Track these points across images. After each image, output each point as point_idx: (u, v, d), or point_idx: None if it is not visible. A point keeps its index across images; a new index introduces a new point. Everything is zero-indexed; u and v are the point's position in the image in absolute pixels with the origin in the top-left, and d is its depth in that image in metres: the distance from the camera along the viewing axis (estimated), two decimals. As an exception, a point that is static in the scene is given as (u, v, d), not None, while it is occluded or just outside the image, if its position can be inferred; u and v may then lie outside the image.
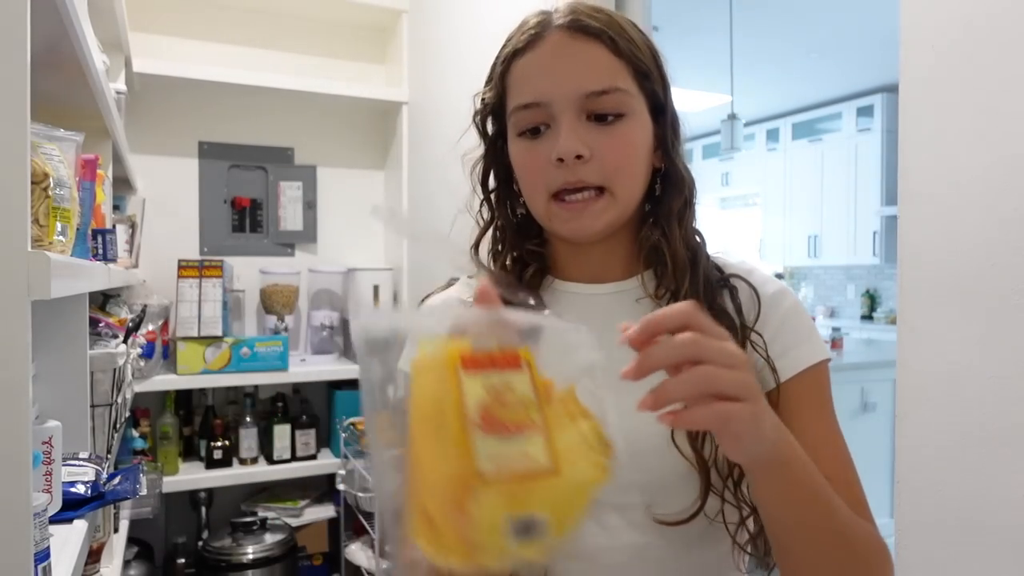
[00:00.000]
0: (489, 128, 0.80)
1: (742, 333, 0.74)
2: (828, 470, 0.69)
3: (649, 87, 0.73)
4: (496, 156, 0.80)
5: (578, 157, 0.70)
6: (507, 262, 0.80)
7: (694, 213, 0.78)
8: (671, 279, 0.75)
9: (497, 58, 0.77)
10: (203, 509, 2.47)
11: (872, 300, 5.87)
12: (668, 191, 0.77)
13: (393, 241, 2.82)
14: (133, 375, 1.82)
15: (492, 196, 0.81)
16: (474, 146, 0.81)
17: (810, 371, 0.74)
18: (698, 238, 0.79)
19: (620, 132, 0.71)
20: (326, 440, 2.66)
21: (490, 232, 0.82)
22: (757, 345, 0.74)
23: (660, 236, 0.75)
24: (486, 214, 0.82)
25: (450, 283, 0.86)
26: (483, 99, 0.79)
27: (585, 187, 0.71)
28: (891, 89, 5.16)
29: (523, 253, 0.81)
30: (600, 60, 0.71)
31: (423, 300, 0.85)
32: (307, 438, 2.52)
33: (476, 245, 0.82)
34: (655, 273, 0.77)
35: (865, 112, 5.56)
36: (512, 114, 0.74)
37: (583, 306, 0.79)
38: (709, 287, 0.75)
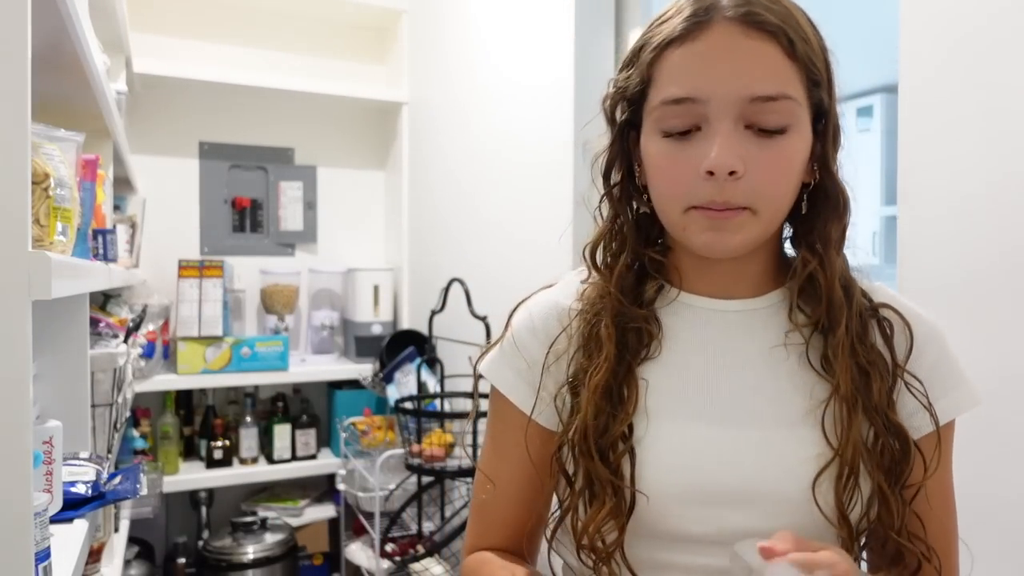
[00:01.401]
0: (618, 116, 0.71)
1: (894, 372, 0.67)
2: (935, 527, 0.69)
3: (817, 95, 0.65)
4: (623, 147, 0.71)
5: (731, 173, 0.61)
6: (622, 268, 0.72)
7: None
8: (825, 316, 0.67)
9: (643, 44, 0.67)
10: (203, 509, 2.48)
11: (872, 300, 5.86)
12: (824, 212, 0.68)
13: (393, 241, 2.82)
14: (133, 375, 1.82)
15: (615, 191, 0.72)
16: (600, 133, 0.73)
17: (951, 421, 0.69)
18: (848, 261, 0.70)
19: (780, 148, 0.63)
20: (326, 440, 2.66)
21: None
22: (914, 388, 0.67)
23: (817, 265, 0.67)
24: (606, 210, 0.74)
25: (549, 285, 0.78)
26: (617, 84, 0.69)
27: (729, 208, 0.63)
28: (891, 89, 5.15)
29: (641, 260, 0.72)
30: (774, 62, 0.62)
31: (521, 302, 0.77)
32: (307, 438, 2.52)
33: (595, 246, 0.74)
34: (797, 295, 0.69)
35: (865, 112, 5.55)
36: (656, 108, 0.65)
37: (710, 323, 0.71)
38: (860, 320, 0.68)
